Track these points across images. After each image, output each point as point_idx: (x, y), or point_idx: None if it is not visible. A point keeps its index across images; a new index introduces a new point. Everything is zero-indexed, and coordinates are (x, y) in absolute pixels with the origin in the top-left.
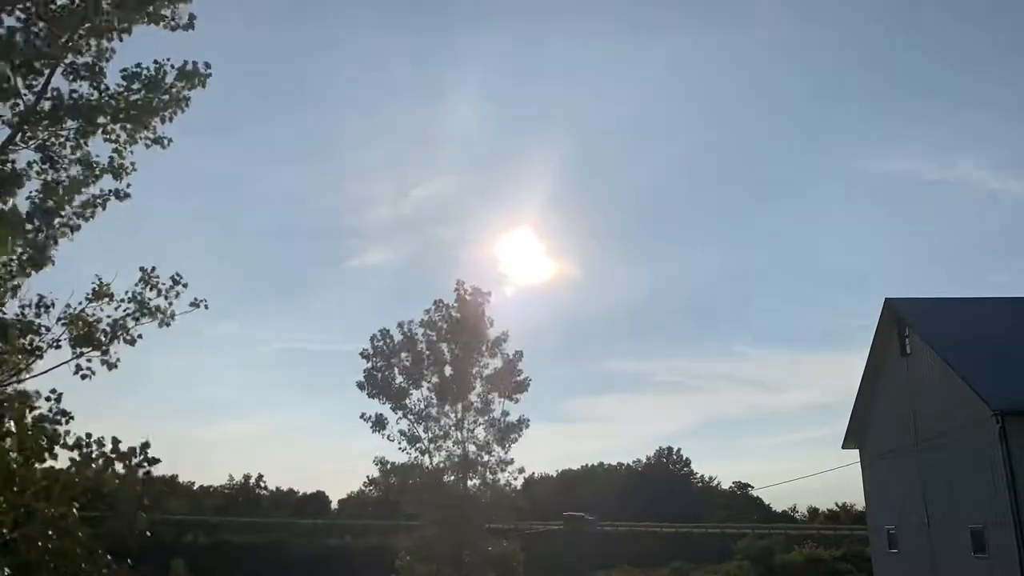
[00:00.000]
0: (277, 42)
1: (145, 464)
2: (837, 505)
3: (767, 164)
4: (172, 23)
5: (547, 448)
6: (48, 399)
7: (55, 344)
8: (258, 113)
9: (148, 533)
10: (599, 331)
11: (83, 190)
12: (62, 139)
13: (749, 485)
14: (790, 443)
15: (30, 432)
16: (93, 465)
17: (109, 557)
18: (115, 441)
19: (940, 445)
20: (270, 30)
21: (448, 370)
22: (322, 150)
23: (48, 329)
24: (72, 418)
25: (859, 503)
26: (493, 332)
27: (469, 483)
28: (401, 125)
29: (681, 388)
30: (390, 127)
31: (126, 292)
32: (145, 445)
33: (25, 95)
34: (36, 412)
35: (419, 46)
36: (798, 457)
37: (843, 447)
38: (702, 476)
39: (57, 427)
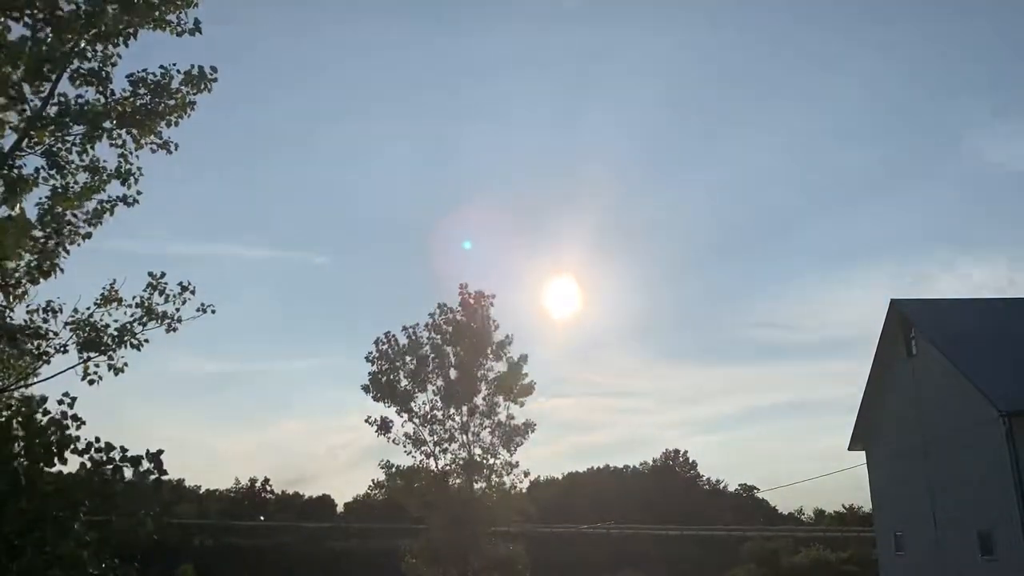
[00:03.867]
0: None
1: (154, 471)
2: (844, 507)
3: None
4: (178, 28)
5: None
6: (60, 402)
7: (62, 349)
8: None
9: (155, 536)
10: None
11: (92, 196)
12: (68, 145)
13: (755, 487)
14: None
15: (38, 439)
16: (103, 468)
17: (117, 560)
18: (123, 449)
19: (947, 446)
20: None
21: (453, 373)
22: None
23: (56, 334)
24: (83, 423)
25: (866, 505)
26: (498, 335)
27: (475, 486)
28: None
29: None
30: None
31: (134, 297)
32: (158, 452)
33: (32, 100)
34: (48, 416)
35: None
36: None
37: (849, 448)
38: (708, 479)
39: (67, 431)
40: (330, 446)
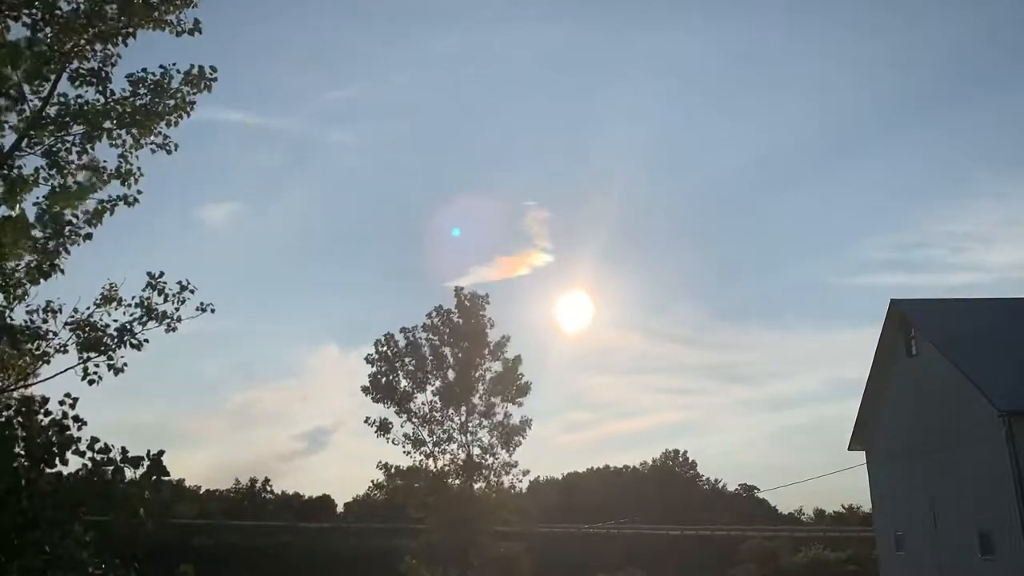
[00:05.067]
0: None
1: (155, 472)
2: (843, 507)
3: None
4: (177, 28)
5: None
6: (62, 403)
7: (62, 349)
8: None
9: (154, 536)
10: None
11: (91, 196)
12: (68, 144)
13: (755, 487)
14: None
15: (39, 440)
16: (104, 469)
17: (117, 560)
18: (124, 451)
19: (947, 446)
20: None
21: (451, 374)
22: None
23: (55, 334)
24: (85, 424)
25: (866, 505)
26: (494, 336)
27: (475, 486)
28: None
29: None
30: None
31: (133, 297)
32: (159, 453)
33: (31, 100)
34: (49, 417)
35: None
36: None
37: (849, 448)
38: (708, 478)
39: (68, 432)
40: (313, 430)
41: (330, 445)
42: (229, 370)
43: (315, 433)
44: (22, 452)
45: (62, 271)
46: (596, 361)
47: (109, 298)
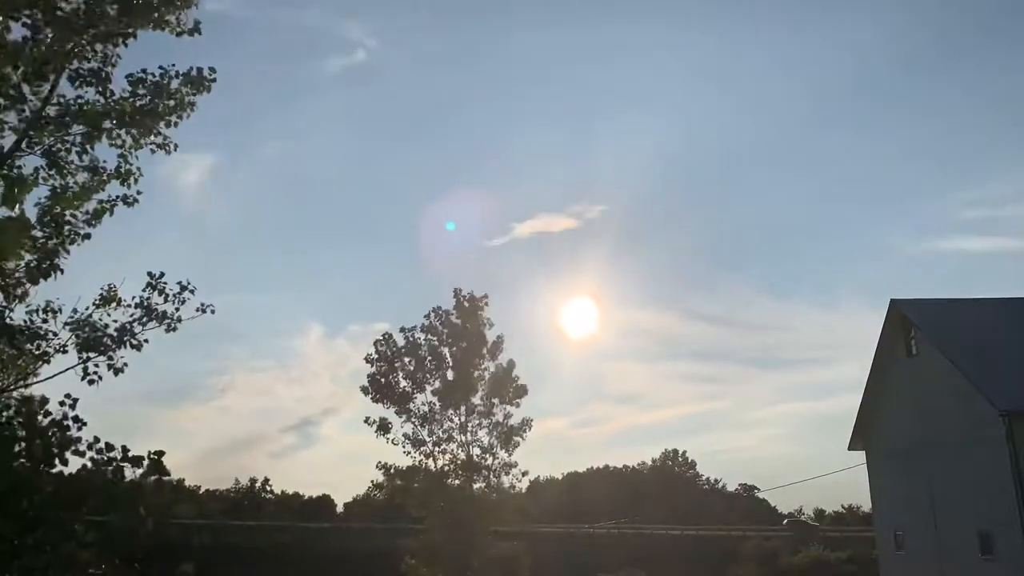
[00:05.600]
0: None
1: (155, 472)
2: (843, 507)
3: None
4: (178, 28)
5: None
6: (62, 404)
7: (62, 349)
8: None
9: (151, 534)
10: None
11: (91, 196)
12: (68, 145)
13: (755, 487)
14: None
15: (39, 440)
16: (104, 468)
17: (117, 560)
18: (125, 449)
19: (947, 446)
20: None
21: (450, 374)
22: None
23: (55, 334)
24: (85, 424)
25: (866, 504)
26: (491, 335)
27: (475, 486)
28: None
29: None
30: None
31: (133, 297)
32: (159, 453)
33: (31, 101)
34: (49, 418)
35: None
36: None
37: (849, 448)
38: (708, 478)
39: (68, 432)
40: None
41: (320, 439)
42: (204, 354)
43: (303, 425)
44: (23, 452)
45: (61, 271)
46: (615, 349)
47: (109, 298)
